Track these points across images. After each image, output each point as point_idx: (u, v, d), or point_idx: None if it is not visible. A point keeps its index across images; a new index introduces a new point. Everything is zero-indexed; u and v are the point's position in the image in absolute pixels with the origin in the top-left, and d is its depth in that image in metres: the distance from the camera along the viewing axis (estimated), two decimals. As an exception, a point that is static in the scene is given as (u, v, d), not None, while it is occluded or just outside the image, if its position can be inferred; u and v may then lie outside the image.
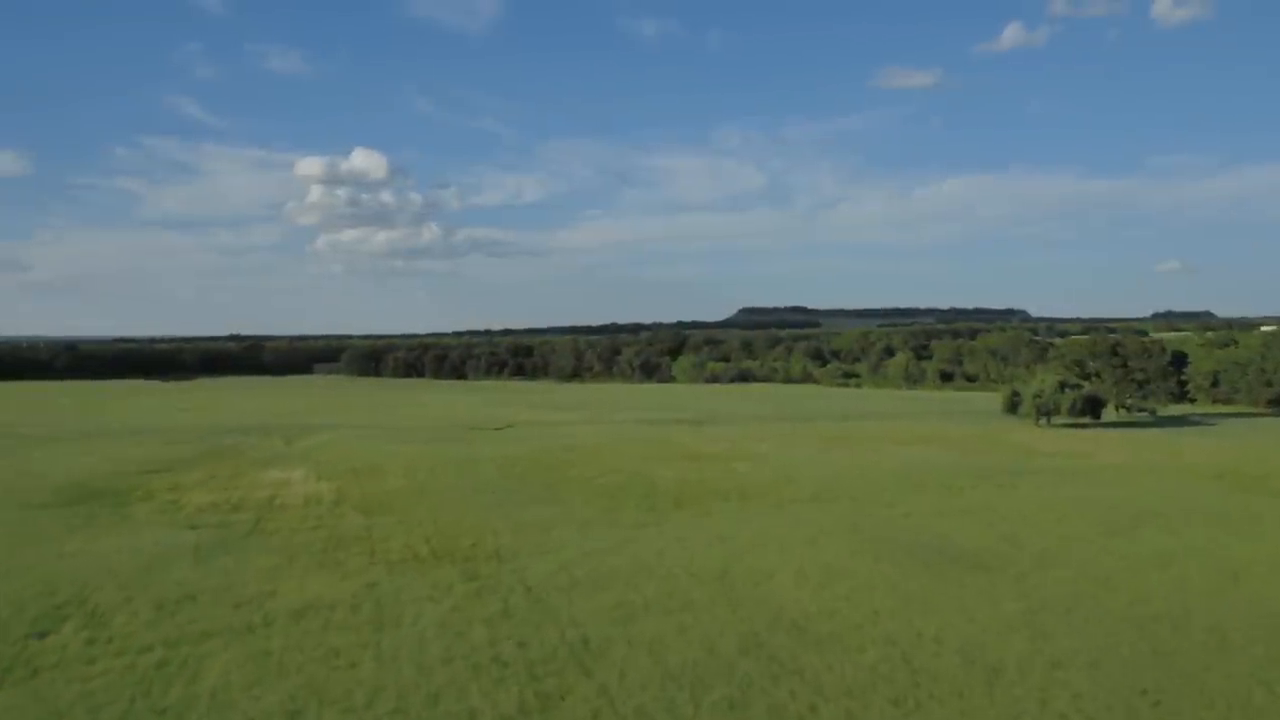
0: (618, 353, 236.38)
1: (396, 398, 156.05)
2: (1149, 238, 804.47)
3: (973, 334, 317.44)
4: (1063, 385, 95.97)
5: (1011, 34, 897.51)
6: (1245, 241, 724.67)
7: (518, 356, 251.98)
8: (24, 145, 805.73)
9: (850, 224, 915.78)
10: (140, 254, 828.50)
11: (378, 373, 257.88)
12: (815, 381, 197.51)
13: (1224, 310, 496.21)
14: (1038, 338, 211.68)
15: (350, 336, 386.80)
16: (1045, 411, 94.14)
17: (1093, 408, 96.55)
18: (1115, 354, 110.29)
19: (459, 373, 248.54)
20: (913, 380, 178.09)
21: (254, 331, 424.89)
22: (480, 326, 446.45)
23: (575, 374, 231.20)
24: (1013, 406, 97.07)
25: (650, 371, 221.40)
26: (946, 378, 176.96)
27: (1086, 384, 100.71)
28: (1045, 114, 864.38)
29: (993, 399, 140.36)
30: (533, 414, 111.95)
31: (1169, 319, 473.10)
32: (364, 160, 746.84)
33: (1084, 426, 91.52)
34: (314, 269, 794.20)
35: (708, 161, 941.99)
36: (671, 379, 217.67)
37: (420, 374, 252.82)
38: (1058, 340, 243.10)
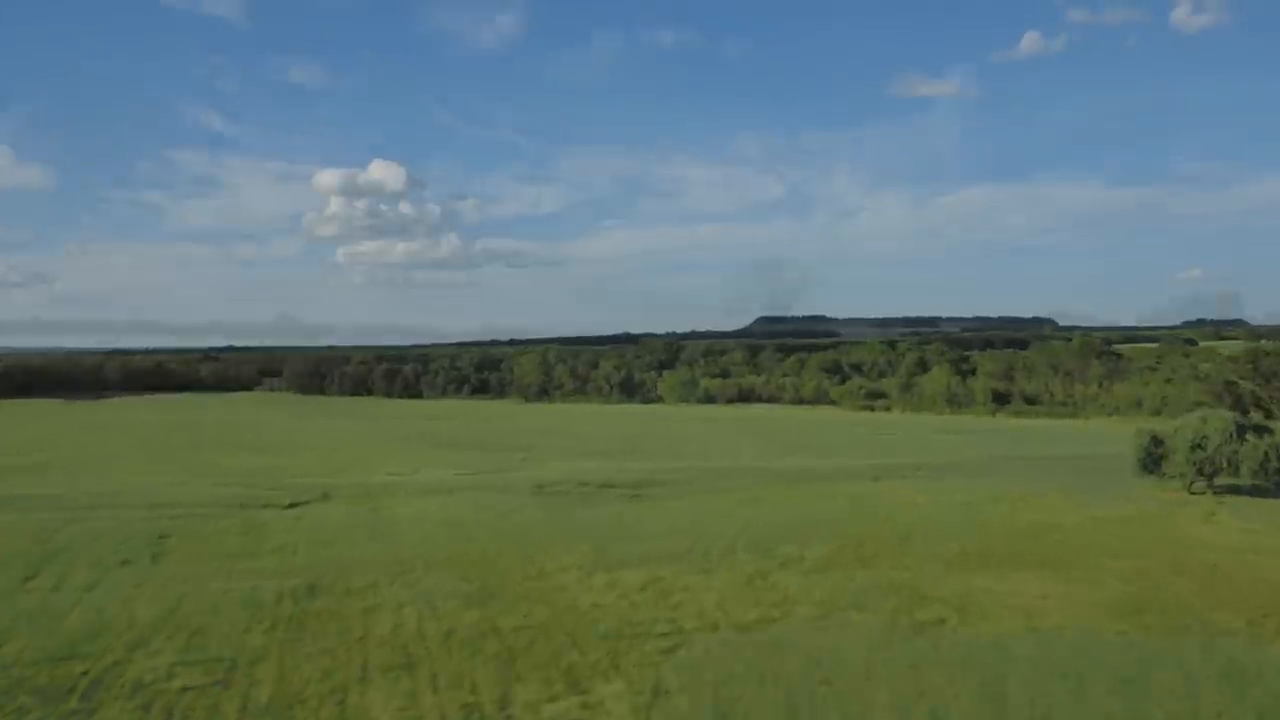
0: (596, 366, 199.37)
1: (259, 430, 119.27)
2: (1173, 245, 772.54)
3: (1011, 344, 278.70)
4: (1240, 427, 58.32)
5: (1030, 42, 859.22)
6: (1270, 248, 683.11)
7: (481, 371, 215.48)
8: (52, 160, 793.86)
9: (871, 233, 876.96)
10: (163, 267, 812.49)
11: (322, 390, 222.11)
12: (833, 403, 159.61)
13: (1256, 318, 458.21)
14: (1107, 349, 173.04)
15: (365, 348, 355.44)
16: (1209, 472, 56.88)
17: (1287, 463, 59.14)
18: (1291, 374, 72.48)
19: (413, 390, 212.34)
20: (957, 403, 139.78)
21: (274, 342, 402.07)
22: (490, 337, 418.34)
23: (544, 392, 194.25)
24: (1153, 460, 59.33)
25: (631, 390, 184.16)
26: (1001, 400, 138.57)
27: (1269, 423, 63.26)
28: (1067, 121, 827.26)
29: (1084, 431, 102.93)
30: (410, 464, 75.37)
31: (1205, 327, 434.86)
32: (383, 172, 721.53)
33: (1270, 494, 54.50)
34: (334, 280, 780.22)
35: (726, 171, 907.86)
36: (657, 399, 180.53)
37: (369, 391, 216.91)
38: (1124, 349, 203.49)
